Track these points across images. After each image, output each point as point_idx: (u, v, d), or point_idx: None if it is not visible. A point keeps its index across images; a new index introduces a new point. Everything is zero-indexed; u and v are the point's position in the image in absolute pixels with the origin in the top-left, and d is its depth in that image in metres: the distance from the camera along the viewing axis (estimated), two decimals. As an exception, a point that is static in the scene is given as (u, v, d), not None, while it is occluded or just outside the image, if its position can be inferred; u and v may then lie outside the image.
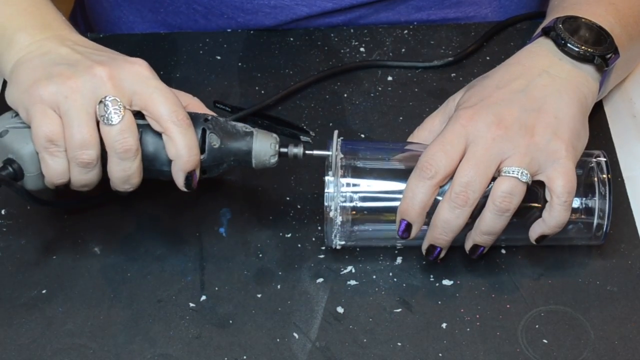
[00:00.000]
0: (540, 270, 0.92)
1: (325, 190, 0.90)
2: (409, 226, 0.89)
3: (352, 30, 1.14)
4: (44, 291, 0.93)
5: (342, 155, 0.90)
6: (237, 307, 0.91)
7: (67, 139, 0.87)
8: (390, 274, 0.93)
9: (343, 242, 0.92)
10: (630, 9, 1.00)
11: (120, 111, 0.87)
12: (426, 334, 0.89)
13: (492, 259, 0.93)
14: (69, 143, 0.87)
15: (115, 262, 0.95)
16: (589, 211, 0.92)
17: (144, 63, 0.90)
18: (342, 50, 1.12)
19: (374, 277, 0.93)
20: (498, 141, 0.88)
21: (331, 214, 0.90)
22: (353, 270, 0.93)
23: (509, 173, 0.87)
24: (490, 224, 0.88)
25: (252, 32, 1.15)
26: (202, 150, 0.90)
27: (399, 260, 0.94)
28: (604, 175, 0.92)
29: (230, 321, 0.90)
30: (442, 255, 0.91)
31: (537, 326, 0.89)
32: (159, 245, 0.96)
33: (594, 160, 0.93)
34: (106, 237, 0.97)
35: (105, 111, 0.87)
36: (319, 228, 0.96)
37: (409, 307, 0.91)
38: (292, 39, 1.14)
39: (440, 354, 0.87)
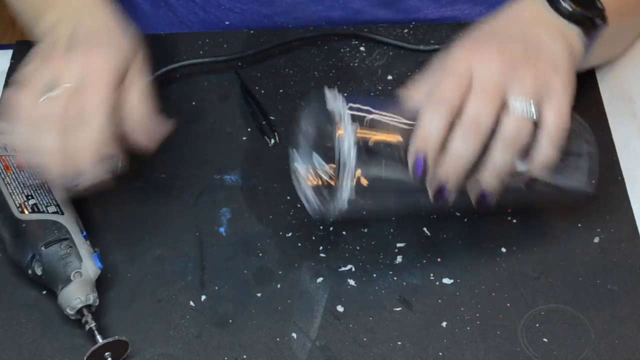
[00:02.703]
0: (541, 269, 0.92)
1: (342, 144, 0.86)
2: (424, 162, 0.85)
3: (352, 30, 1.14)
4: (44, 291, 0.93)
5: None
6: (237, 306, 0.91)
7: None
8: (390, 272, 0.93)
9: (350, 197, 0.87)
10: None
11: None
12: (426, 332, 0.89)
13: (492, 258, 0.93)
14: None
15: (115, 262, 0.95)
16: (577, 156, 0.91)
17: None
18: (342, 50, 1.12)
19: (374, 275, 0.93)
20: (504, 70, 0.86)
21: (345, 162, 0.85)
22: (353, 269, 0.93)
23: (516, 108, 0.85)
24: (499, 161, 0.86)
25: (252, 32, 1.15)
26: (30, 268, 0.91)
27: (399, 259, 0.94)
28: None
29: (230, 321, 0.90)
30: (450, 198, 0.87)
31: (537, 325, 0.89)
32: (159, 245, 0.96)
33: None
34: (106, 237, 0.97)
35: None
36: (320, 227, 0.96)
37: (409, 306, 0.91)
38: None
39: (440, 353, 0.87)
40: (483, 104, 0.85)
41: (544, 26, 0.92)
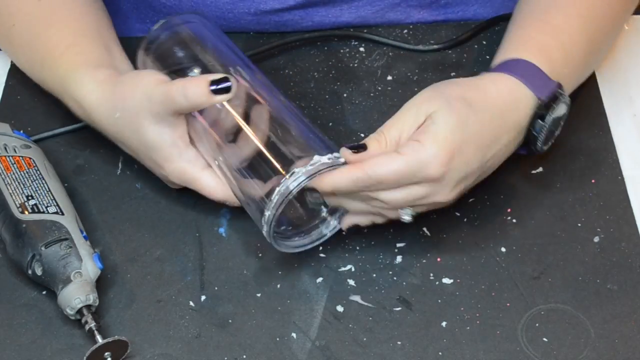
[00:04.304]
0: (540, 269, 0.92)
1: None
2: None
3: (351, 30, 1.14)
4: (44, 292, 0.93)
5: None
6: (237, 306, 0.91)
7: None
8: (390, 272, 0.93)
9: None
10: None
11: None
12: (426, 332, 0.89)
13: (491, 258, 0.93)
14: None
15: (115, 262, 0.95)
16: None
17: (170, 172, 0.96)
18: (341, 50, 1.12)
19: (374, 275, 0.93)
20: (437, 195, 0.90)
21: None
22: (353, 269, 0.93)
23: (405, 214, 0.91)
24: (365, 221, 0.93)
25: (251, 33, 1.15)
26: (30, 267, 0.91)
27: (398, 259, 0.94)
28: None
29: (230, 321, 0.90)
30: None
31: (537, 325, 0.89)
32: (158, 246, 0.96)
33: None
34: (106, 237, 0.97)
35: None
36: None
37: (409, 306, 0.91)
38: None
39: (440, 353, 0.87)
40: (402, 204, 0.90)
41: (517, 136, 0.94)
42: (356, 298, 0.91)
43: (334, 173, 0.88)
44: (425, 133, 0.88)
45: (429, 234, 0.95)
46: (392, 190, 0.89)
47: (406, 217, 0.91)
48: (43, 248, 0.90)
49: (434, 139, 0.88)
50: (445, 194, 0.90)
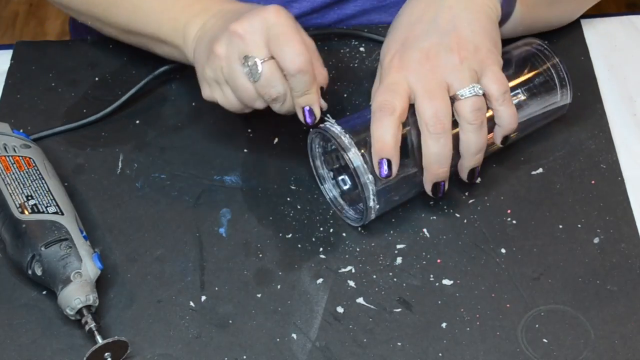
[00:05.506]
0: (540, 270, 0.92)
1: (355, 165, 0.91)
2: (389, 163, 0.91)
3: (352, 30, 1.14)
4: (44, 292, 0.93)
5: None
6: (237, 307, 0.91)
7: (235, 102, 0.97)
8: (390, 273, 0.93)
9: (378, 206, 0.93)
10: None
11: (258, 68, 0.92)
12: (426, 333, 0.89)
13: (491, 259, 0.93)
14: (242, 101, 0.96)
15: (115, 262, 0.95)
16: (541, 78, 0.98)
17: (272, 9, 0.93)
18: (342, 50, 1.12)
19: (374, 276, 0.93)
20: (434, 71, 0.92)
21: (364, 179, 0.91)
22: (353, 270, 0.93)
23: (464, 95, 0.91)
24: (474, 142, 0.92)
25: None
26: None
27: (398, 260, 0.94)
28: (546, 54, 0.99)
29: (230, 321, 0.90)
30: (446, 187, 0.94)
31: (537, 326, 0.89)
32: (159, 246, 0.96)
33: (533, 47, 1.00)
34: (106, 237, 0.97)
35: (250, 69, 0.93)
36: (320, 228, 0.96)
37: (409, 307, 0.91)
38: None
39: (440, 354, 0.87)
40: (435, 104, 0.91)
41: (458, 4, 0.96)
42: (356, 299, 0.91)
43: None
44: None
45: (428, 235, 0.95)
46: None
47: (465, 92, 0.92)
48: (43, 248, 0.90)
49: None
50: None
